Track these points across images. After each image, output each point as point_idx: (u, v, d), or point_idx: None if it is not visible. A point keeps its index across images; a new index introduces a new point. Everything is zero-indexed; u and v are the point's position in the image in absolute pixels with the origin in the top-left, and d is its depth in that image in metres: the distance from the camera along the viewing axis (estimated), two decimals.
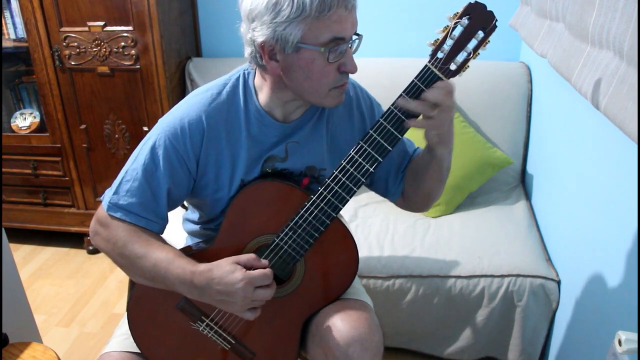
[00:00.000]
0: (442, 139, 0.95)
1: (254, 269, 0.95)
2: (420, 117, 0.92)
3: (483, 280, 1.59)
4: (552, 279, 1.55)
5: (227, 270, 0.93)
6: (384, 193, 1.17)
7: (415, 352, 1.75)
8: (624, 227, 1.09)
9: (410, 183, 1.12)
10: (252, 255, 0.96)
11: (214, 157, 1.02)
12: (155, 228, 1.03)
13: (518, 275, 1.57)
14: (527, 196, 2.00)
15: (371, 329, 1.02)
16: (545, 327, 1.58)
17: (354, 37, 0.92)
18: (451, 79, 0.91)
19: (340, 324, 1.01)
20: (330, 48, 0.89)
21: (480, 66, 2.05)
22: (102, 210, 1.02)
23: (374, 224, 1.84)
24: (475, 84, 2.04)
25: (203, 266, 0.95)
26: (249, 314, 0.96)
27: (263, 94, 1.02)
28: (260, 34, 0.89)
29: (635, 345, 0.88)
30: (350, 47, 0.93)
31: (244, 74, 1.04)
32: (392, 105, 0.92)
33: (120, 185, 1.01)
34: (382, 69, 2.09)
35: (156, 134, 1.00)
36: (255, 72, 1.03)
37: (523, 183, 2.08)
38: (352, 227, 1.83)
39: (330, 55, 0.90)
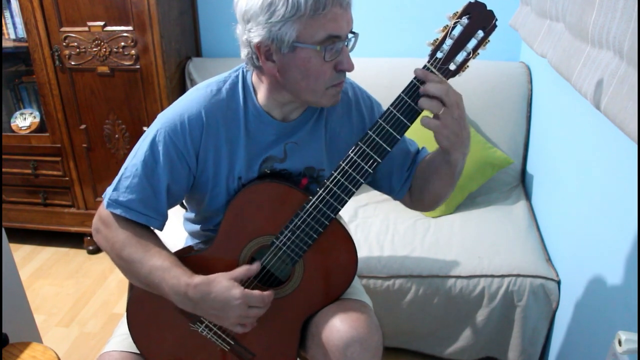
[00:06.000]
0: (453, 143, 0.92)
1: (249, 279, 0.98)
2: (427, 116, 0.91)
3: (483, 280, 1.58)
4: (552, 279, 1.55)
5: (226, 286, 0.93)
6: (388, 191, 1.17)
7: (415, 352, 1.75)
8: (624, 227, 1.09)
9: (419, 183, 1.11)
10: (244, 268, 0.98)
11: (213, 153, 1.02)
12: (155, 224, 1.03)
13: (518, 275, 1.57)
14: (527, 196, 2.00)
15: (370, 329, 1.02)
16: (545, 327, 1.58)
17: (350, 35, 0.92)
18: (450, 79, 0.90)
19: (340, 324, 1.01)
20: (326, 46, 0.88)
21: (480, 66, 2.05)
22: (103, 207, 1.02)
23: (374, 224, 1.84)
24: (475, 84, 2.04)
25: (199, 279, 0.95)
26: (239, 328, 0.97)
27: (261, 92, 1.02)
28: (256, 34, 0.89)
29: (635, 345, 0.88)
30: (347, 46, 0.93)
31: (242, 71, 1.04)
32: (391, 106, 0.91)
33: (120, 181, 1.01)
34: (382, 69, 2.09)
35: (156, 129, 1.00)
36: (252, 71, 1.03)
37: (523, 183, 2.08)
38: (352, 227, 1.83)
39: (326, 54, 0.89)
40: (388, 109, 0.91)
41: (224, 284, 0.93)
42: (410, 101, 0.90)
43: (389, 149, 0.92)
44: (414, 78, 0.90)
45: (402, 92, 0.91)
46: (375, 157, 0.93)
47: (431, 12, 2.18)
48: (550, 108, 1.79)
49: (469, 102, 2.23)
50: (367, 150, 0.92)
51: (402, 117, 0.91)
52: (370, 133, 0.92)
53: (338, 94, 0.98)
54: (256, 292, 0.94)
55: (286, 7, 0.84)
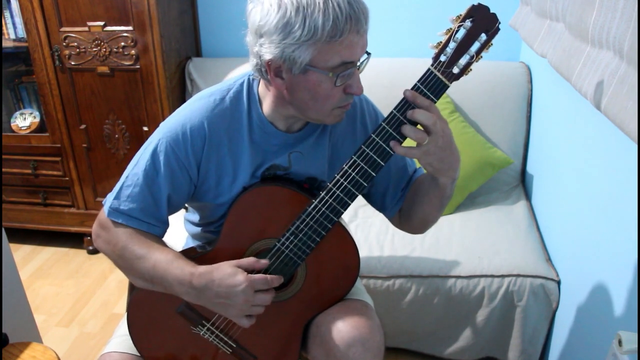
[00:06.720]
0: (438, 169, 0.92)
1: (255, 272, 0.95)
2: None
3: (483, 280, 1.58)
4: (552, 279, 1.55)
5: (229, 272, 0.92)
6: (381, 208, 1.16)
7: (415, 352, 1.75)
8: (624, 227, 1.09)
9: (408, 204, 1.11)
10: (252, 259, 0.96)
11: (215, 164, 1.01)
12: (157, 232, 1.03)
13: (518, 275, 1.57)
14: (527, 196, 2.00)
15: (372, 329, 1.02)
16: (545, 327, 1.58)
17: (363, 57, 0.90)
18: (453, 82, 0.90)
19: (341, 325, 1.01)
20: (338, 73, 0.87)
21: (480, 66, 2.02)
22: (103, 214, 1.02)
23: (374, 224, 1.84)
24: (475, 84, 2.04)
25: (203, 268, 0.95)
26: (245, 321, 0.96)
27: (266, 103, 1.00)
28: (268, 51, 0.87)
29: (635, 346, 0.88)
30: (358, 68, 0.91)
31: (248, 79, 1.03)
32: (394, 109, 0.90)
33: (121, 190, 1.00)
34: (382, 69, 2.09)
35: (157, 138, 0.99)
36: (260, 80, 1.01)
37: (523, 183, 2.08)
38: (352, 227, 1.83)
39: (338, 80, 0.88)
40: (392, 112, 0.90)
41: (227, 270, 0.93)
42: (402, 118, 0.90)
43: (392, 152, 0.91)
44: (418, 81, 0.89)
45: (394, 108, 0.90)
46: (379, 160, 0.92)
47: (431, 12, 2.18)
48: (550, 108, 1.79)
49: (469, 102, 2.24)
50: (371, 153, 0.91)
51: (394, 134, 0.90)
52: (374, 136, 0.91)
53: (343, 114, 0.97)
54: (260, 275, 0.94)
55: (302, 30, 0.82)
